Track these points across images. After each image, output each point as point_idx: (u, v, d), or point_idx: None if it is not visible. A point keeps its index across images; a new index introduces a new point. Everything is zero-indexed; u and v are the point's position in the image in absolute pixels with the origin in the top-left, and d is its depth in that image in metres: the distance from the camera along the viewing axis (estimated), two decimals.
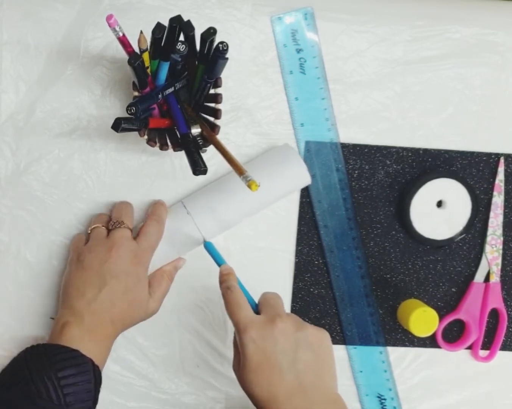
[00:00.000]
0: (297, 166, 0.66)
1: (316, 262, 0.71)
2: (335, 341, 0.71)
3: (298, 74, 0.67)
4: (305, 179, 0.67)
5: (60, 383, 0.55)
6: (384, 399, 0.73)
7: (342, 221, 0.70)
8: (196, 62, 0.59)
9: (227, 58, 0.55)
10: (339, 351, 0.72)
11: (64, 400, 0.54)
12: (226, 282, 0.58)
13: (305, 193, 0.69)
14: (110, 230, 0.63)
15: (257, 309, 0.58)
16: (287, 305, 0.71)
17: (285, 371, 0.54)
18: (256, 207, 0.67)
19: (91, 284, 0.60)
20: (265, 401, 0.54)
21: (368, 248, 0.71)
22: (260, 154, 0.68)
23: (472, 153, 0.71)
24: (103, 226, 0.64)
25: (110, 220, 0.64)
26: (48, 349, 0.57)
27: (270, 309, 0.57)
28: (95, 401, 0.58)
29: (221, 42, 0.53)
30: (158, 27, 0.54)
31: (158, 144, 0.60)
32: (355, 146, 0.69)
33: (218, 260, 0.62)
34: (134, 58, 0.53)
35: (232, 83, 0.67)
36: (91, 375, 0.57)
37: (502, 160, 0.71)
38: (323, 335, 0.57)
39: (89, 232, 0.64)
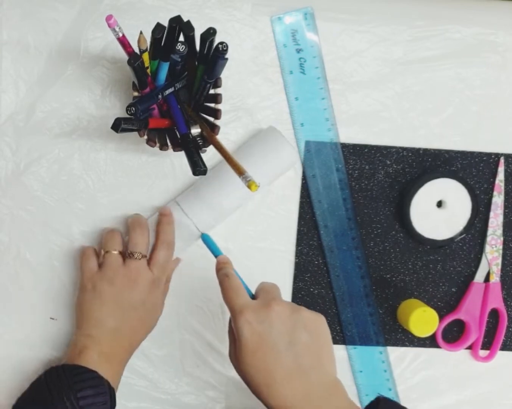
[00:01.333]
0: (283, 146, 0.65)
1: (316, 262, 0.71)
2: (335, 341, 0.71)
3: (298, 74, 0.67)
4: (293, 157, 0.66)
5: (79, 403, 0.56)
6: None
7: (342, 221, 0.70)
8: (196, 63, 0.59)
9: (226, 59, 0.55)
10: (339, 351, 0.72)
11: None
12: (223, 270, 0.58)
13: (305, 193, 0.69)
14: (125, 258, 0.63)
15: (254, 298, 0.58)
16: None
17: (282, 354, 0.53)
18: (247, 192, 0.66)
19: (111, 316, 0.62)
20: (262, 385, 0.53)
21: (368, 248, 0.71)
22: (246, 140, 0.68)
23: (472, 153, 0.71)
24: (116, 251, 0.64)
25: (124, 244, 0.64)
26: (67, 370, 0.58)
27: (266, 294, 0.56)
28: None
29: (221, 43, 0.53)
30: (158, 27, 0.54)
31: (158, 144, 0.60)
32: (355, 146, 0.69)
33: (215, 251, 0.62)
34: (133, 59, 0.53)
35: (232, 83, 0.67)
36: (107, 397, 0.58)
37: (502, 160, 0.71)
38: (319, 319, 0.56)
39: (103, 254, 0.64)
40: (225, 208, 0.66)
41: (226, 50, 0.54)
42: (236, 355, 0.54)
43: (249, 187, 0.51)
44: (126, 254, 0.63)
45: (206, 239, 0.63)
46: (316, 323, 0.55)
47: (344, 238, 0.70)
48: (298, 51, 0.67)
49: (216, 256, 0.61)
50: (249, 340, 0.53)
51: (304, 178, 0.69)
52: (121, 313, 0.62)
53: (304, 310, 0.55)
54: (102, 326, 0.62)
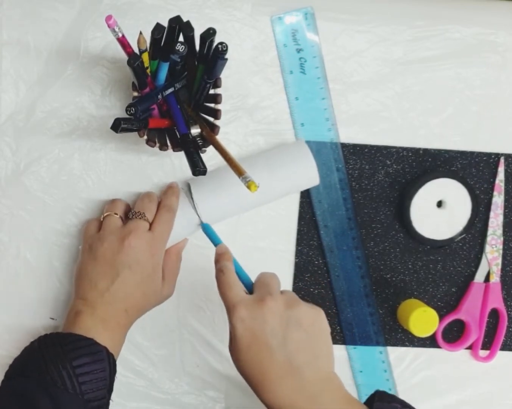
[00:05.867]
0: (308, 165, 0.65)
1: (316, 262, 0.71)
2: (335, 341, 0.71)
3: (298, 74, 0.67)
4: (314, 180, 0.66)
5: (75, 371, 0.54)
6: None
7: (342, 221, 0.70)
8: (196, 63, 0.59)
9: (226, 59, 0.55)
10: (339, 351, 0.72)
11: (79, 389, 0.54)
12: (220, 263, 0.58)
13: (305, 193, 0.69)
14: (127, 219, 0.62)
15: (252, 289, 0.58)
16: None
17: (276, 351, 0.52)
18: (259, 200, 0.66)
19: (104, 275, 0.60)
20: (257, 381, 0.53)
21: (368, 248, 0.71)
22: (270, 148, 0.68)
23: (472, 153, 0.70)
24: (117, 214, 0.63)
25: (129, 210, 0.64)
26: (61, 337, 0.57)
27: (263, 288, 0.56)
28: (110, 389, 0.58)
29: (221, 43, 0.53)
30: (158, 27, 0.54)
31: (158, 144, 0.60)
32: (355, 146, 0.69)
33: (215, 240, 0.61)
34: (133, 59, 0.53)
35: (232, 83, 0.67)
36: (105, 364, 0.57)
37: (502, 160, 0.71)
38: (316, 313, 0.55)
39: (102, 219, 0.63)
40: (235, 210, 0.66)
41: (226, 50, 0.54)
42: (232, 350, 0.55)
43: (248, 187, 0.51)
44: (127, 216, 0.63)
45: (206, 229, 0.63)
46: (312, 318, 0.55)
47: (344, 238, 0.70)
48: (299, 51, 0.67)
49: (215, 245, 0.60)
50: (243, 337, 0.53)
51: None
52: (114, 273, 0.60)
53: (301, 305, 0.55)
54: (96, 288, 0.60)
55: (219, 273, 0.57)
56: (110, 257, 0.60)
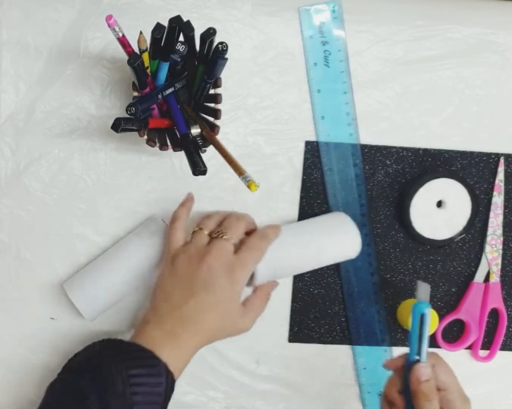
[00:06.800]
0: (353, 236, 0.66)
1: None
2: (339, 339, 0.71)
3: (322, 67, 0.67)
4: (355, 250, 0.67)
5: (130, 381, 0.53)
6: None
7: (356, 217, 0.69)
8: (196, 62, 0.59)
9: (226, 59, 0.55)
10: (345, 347, 0.72)
11: (131, 399, 0.53)
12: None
13: (305, 194, 0.69)
14: (211, 238, 0.61)
15: None
16: (287, 305, 0.71)
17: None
18: (307, 265, 0.67)
19: (180, 292, 0.59)
20: None
21: None
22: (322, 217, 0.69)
23: (472, 153, 0.71)
24: (207, 231, 0.62)
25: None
26: (122, 344, 0.56)
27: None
28: (163, 407, 0.55)
29: (221, 43, 0.53)
30: (158, 27, 0.54)
31: (158, 144, 0.60)
32: None
33: None
34: (133, 59, 0.53)
35: (232, 83, 0.67)
36: (162, 379, 0.54)
37: (502, 160, 0.71)
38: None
39: (192, 233, 0.62)
40: (281, 273, 0.66)
41: (226, 50, 0.54)
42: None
43: (248, 187, 0.51)
44: (213, 234, 0.61)
45: None
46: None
47: None
48: (324, 43, 0.67)
49: None
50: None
51: (321, 172, 0.69)
52: (190, 293, 0.58)
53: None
54: (169, 302, 0.58)
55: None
56: (189, 274, 0.59)
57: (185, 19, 0.55)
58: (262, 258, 0.61)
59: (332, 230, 0.66)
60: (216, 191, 0.68)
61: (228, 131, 0.67)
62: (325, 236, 0.66)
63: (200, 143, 0.60)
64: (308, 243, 0.65)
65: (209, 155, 0.65)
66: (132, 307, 0.69)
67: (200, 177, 0.65)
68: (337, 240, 0.66)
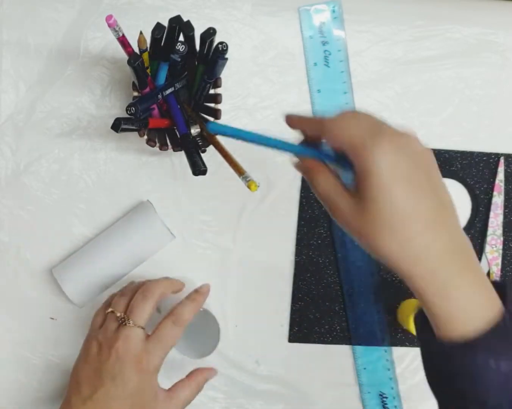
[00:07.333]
0: (157, 226, 0.65)
1: (316, 262, 0.71)
2: (339, 339, 0.71)
3: (322, 67, 0.67)
4: (167, 237, 0.66)
5: None
6: (386, 398, 0.73)
7: None
8: (196, 62, 0.59)
9: (226, 58, 0.55)
10: (344, 346, 0.72)
11: None
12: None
13: (305, 193, 0.69)
14: (121, 321, 0.57)
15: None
16: (287, 305, 0.71)
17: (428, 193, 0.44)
18: (123, 269, 0.67)
19: (89, 381, 0.55)
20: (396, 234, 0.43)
21: None
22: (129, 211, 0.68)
23: (472, 153, 0.71)
24: (118, 313, 0.57)
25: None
26: None
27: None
28: None
29: (221, 43, 0.53)
30: (158, 27, 0.54)
31: (158, 144, 0.60)
32: None
33: (235, 133, 0.48)
34: (133, 58, 0.53)
35: (232, 83, 0.67)
36: None
37: (502, 160, 0.71)
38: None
39: (105, 313, 0.59)
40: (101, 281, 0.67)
41: (226, 49, 0.54)
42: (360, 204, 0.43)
43: (248, 187, 0.51)
44: (122, 318, 0.57)
45: (214, 127, 0.48)
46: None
47: None
48: (324, 43, 0.67)
49: (239, 137, 0.48)
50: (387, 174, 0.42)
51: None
52: (99, 383, 0.54)
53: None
54: (79, 393, 0.55)
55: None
56: (98, 363, 0.55)
57: (185, 19, 0.55)
58: (174, 343, 0.57)
59: (137, 227, 0.65)
60: (216, 191, 0.68)
61: None
62: (132, 236, 0.65)
63: (200, 143, 0.60)
64: (119, 249, 0.65)
65: (209, 155, 0.65)
66: None
67: (200, 177, 0.65)
68: (143, 235, 0.65)
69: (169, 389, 0.58)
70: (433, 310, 0.44)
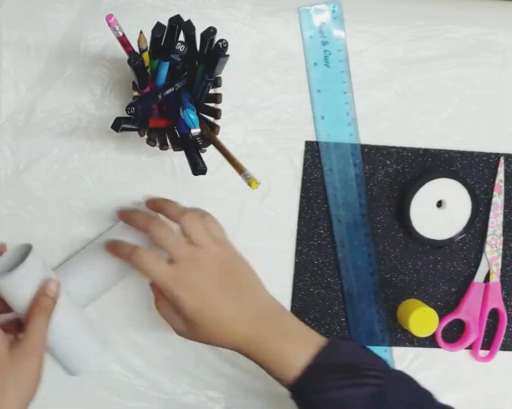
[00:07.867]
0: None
1: (316, 262, 0.71)
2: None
3: (322, 67, 0.67)
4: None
5: None
6: None
7: (355, 217, 0.70)
8: (196, 62, 0.59)
9: (228, 55, 0.55)
10: None
11: None
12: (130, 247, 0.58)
13: (305, 193, 0.69)
14: None
15: None
16: (287, 305, 0.71)
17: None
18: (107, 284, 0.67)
19: None
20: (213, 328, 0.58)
21: None
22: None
23: (472, 153, 0.71)
24: None
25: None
26: None
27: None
28: None
29: (221, 40, 0.53)
30: (158, 27, 0.54)
31: (158, 144, 0.60)
32: None
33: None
34: (134, 58, 0.53)
35: (232, 83, 0.67)
36: None
37: (502, 160, 0.71)
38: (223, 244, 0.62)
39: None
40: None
41: (226, 47, 0.54)
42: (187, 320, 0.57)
43: (249, 184, 0.51)
44: None
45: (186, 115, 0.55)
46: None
47: (356, 233, 0.70)
48: (324, 43, 0.67)
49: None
50: (189, 301, 0.56)
51: (321, 172, 0.69)
52: None
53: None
54: None
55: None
56: None
57: (185, 19, 0.55)
58: (46, 339, 0.56)
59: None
60: (216, 191, 0.68)
61: (228, 131, 0.67)
62: (132, 238, 0.63)
63: (200, 143, 0.60)
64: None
65: (209, 155, 0.65)
66: (120, 295, 0.69)
67: (200, 177, 0.65)
68: (143, 237, 0.62)
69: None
70: (263, 365, 0.57)
